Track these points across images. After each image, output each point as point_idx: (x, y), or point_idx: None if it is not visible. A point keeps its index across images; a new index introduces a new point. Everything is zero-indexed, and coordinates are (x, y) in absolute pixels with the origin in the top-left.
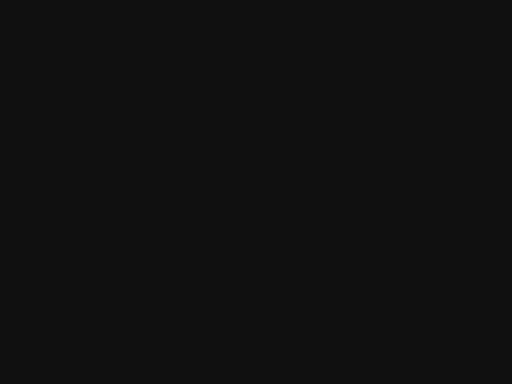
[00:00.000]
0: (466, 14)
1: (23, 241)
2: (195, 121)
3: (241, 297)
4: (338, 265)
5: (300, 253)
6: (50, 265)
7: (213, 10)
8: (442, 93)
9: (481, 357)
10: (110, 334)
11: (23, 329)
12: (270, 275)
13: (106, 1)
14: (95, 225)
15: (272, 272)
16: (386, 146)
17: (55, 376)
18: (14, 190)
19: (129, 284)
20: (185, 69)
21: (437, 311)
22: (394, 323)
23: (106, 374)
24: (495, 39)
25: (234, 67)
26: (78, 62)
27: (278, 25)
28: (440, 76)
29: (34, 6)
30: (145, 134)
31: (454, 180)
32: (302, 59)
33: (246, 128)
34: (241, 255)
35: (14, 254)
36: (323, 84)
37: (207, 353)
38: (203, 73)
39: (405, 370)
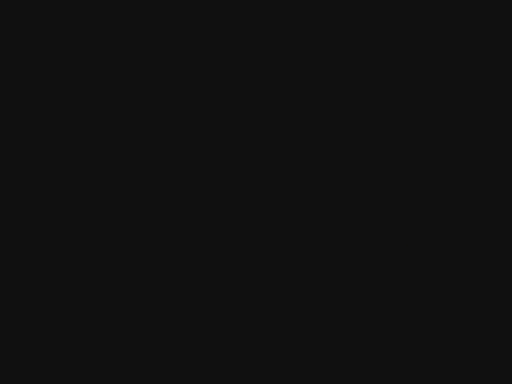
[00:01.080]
0: (466, 14)
1: (23, 241)
2: (195, 121)
3: (241, 297)
4: (338, 264)
5: (300, 253)
6: (49, 264)
7: (213, 10)
8: (441, 93)
9: (481, 357)
10: (110, 334)
11: (23, 329)
12: (270, 275)
13: (106, 1)
14: (95, 224)
15: (272, 272)
16: (386, 145)
17: (55, 376)
18: (14, 190)
19: (129, 284)
20: (185, 69)
21: (437, 311)
22: (394, 323)
23: (106, 374)
24: (495, 39)
25: (233, 67)
26: (77, 62)
27: (278, 25)
28: (440, 76)
29: (34, 6)
30: (144, 133)
31: (453, 180)
32: (302, 59)
33: (245, 128)
34: (241, 255)
35: (14, 254)
36: (323, 84)
37: (207, 353)
38: (203, 73)
39: (405, 370)
